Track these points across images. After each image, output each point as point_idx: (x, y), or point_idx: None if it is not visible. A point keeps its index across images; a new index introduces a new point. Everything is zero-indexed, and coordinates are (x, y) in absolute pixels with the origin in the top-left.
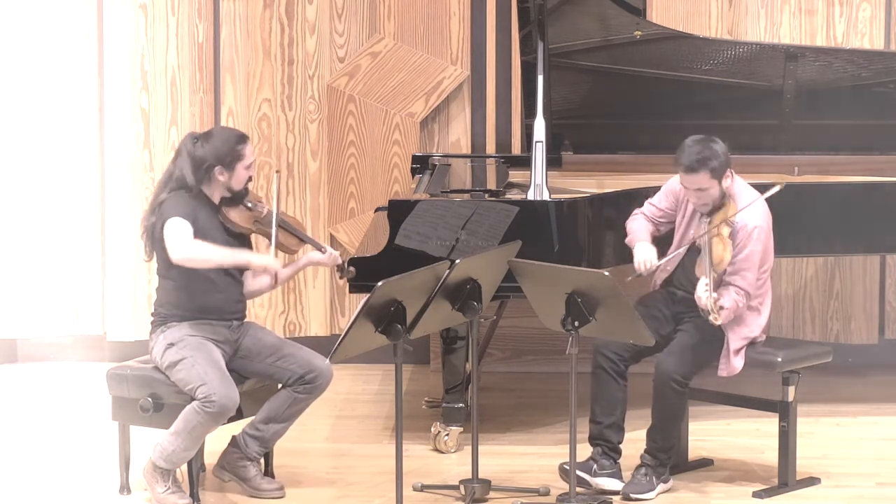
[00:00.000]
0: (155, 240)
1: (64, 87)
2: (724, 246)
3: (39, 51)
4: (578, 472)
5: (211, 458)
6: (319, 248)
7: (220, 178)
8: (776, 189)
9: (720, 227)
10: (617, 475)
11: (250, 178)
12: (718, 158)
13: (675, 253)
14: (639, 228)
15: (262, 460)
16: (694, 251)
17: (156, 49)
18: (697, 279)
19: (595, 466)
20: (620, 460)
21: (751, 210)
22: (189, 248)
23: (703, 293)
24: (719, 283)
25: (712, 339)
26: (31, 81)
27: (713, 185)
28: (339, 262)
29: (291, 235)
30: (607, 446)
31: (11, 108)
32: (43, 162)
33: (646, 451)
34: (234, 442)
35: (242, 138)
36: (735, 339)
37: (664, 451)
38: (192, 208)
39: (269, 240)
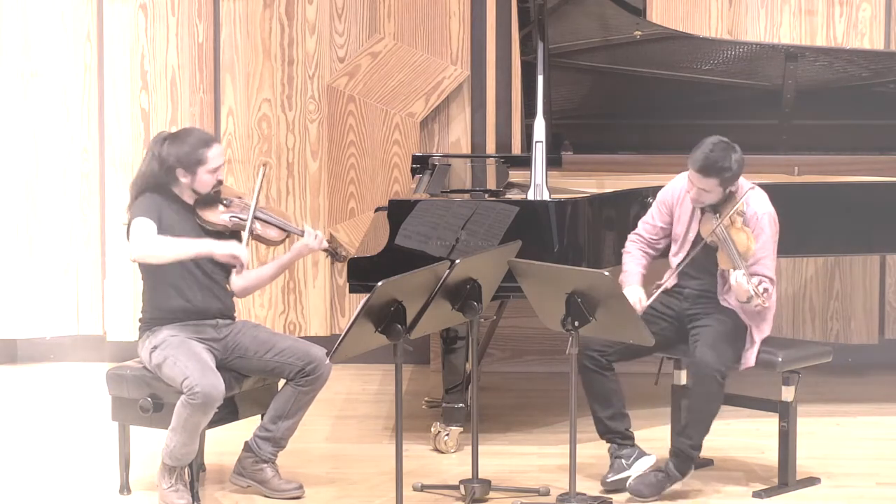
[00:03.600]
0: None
1: (64, 87)
2: (746, 234)
3: (40, 51)
4: (616, 478)
5: (211, 458)
6: (301, 234)
7: (183, 181)
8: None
9: (732, 217)
10: (641, 454)
11: (220, 183)
12: (732, 171)
13: (681, 266)
14: (630, 270)
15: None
16: (697, 255)
17: (156, 49)
18: (727, 273)
19: (623, 462)
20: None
21: (756, 198)
22: (145, 245)
23: (743, 279)
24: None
25: (739, 330)
26: (31, 82)
27: (717, 191)
28: (326, 245)
29: (272, 227)
30: (618, 437)
31: (11, 108)
32: (43, 162)
33: (673, 453)
34: (247, 447)
35: (208, 143)
36: (758, 333)
37: (697, 449)
38: (158, 208)
39: (248, 234)
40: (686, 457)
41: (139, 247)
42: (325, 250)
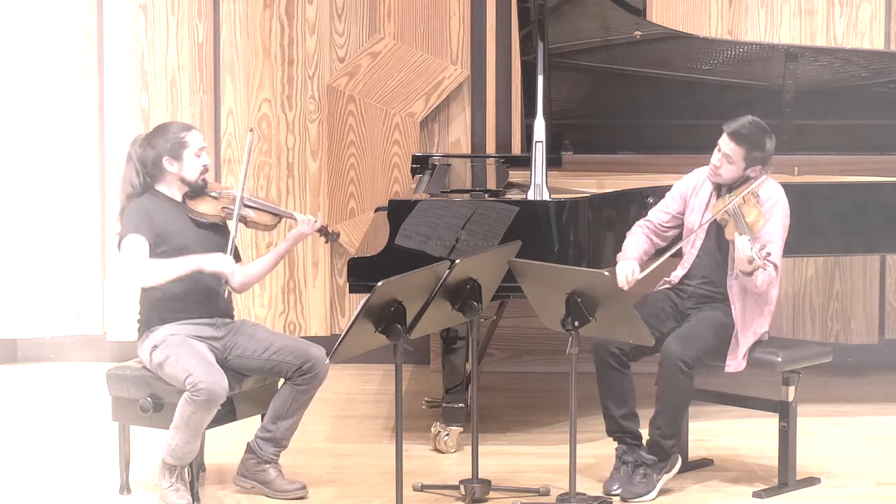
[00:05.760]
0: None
1: (64, 87)
2: (758, 210)
3: (39, 51)
4: (635, 488)
5: (211, 458)
6: (294, 218)
7: (171, 169)
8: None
9: (746, 197)
10: (655, 465)
11: (206, 169)
12: (762, 150)
13: (668, 253)
14: (630, 247)
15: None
16: (710, 244)
17: (156, 49)
18: (732, 243)
19: (640, 472)
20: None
21: (773, 186)
22: (141, 274)
23: (748, 246)
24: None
25: (720, 329)
26: (31, 81)
27: (739, 165)
28: (319, 225)
29: (264, 213)
30: (628, 436)
31: (12, 108)
32: (43, 162)
33: (647, 443)
34: (249, 449)
35: (187, 127)
36: (747, 335)
37: (668, 438)
38: (148, 214)
39: (244, 222)
40: (657, 446)
41: (132, 276)
42: (319, 231)
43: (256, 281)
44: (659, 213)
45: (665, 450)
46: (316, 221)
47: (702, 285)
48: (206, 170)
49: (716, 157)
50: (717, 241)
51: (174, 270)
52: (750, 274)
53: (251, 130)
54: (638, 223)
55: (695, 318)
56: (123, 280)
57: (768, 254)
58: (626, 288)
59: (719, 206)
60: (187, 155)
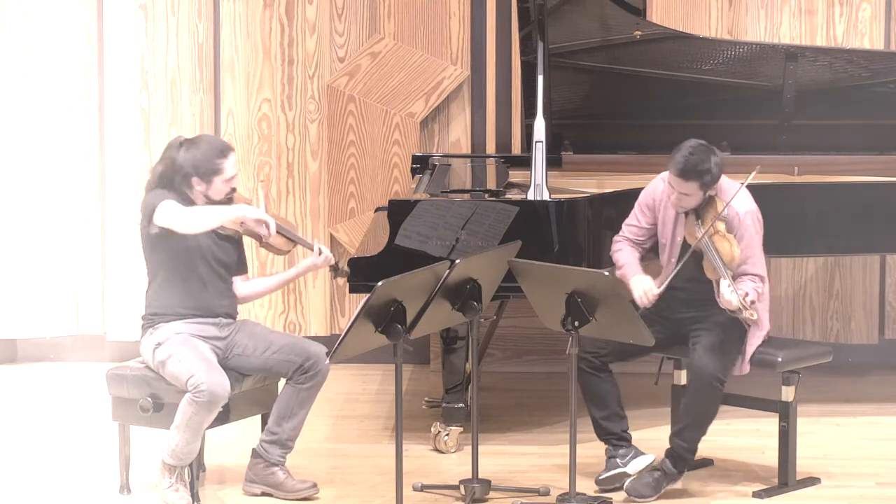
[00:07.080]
0: (146, 238)
1: (64, 87)
2: (729, 242)
3: (39, 51)
4: (608, 475)
5: (211, 458)
6: (311, 248)
7: (198, 188)
8: (753, 174)
9: (715, 225)
10: (638, 453)
11: (233, 191)
12: (712, 174)
13: (676, 269)
14: (628, 261)
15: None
16: (692, 254)
17: (156, 49)
18: (715, 282)
19: (618, 461)
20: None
21: (737, 198)
22: (190, 216)
23: (730, 294)
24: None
25: (737, 335)
26: (31, 81)
27: (697, 195)
28: (333, 262)
29: (281, 236)
30: (614, 438)
31: (12, 108)
32: (43, 162)
33: (669, 454)
34: (255, 454)
35: (224, 152)
36: (755, 338)
37: (692, 452)
38: (176, 198)
39: (259, 241)
40: (681, 459)
41: (184, 221)
42: (330, 267)
43: (257, 297)
44: (633, 228)
45: (687, 462)
46: (329, 257)
47: (692, 290)
48: (232, 191)
49: (673, 195)
50: (693, 256)
51: (224, 214)
52: (734, 313)
53: (262, 181)
54: (616, 238)
55: (713, 327)
56: (179, 227)
57: (753, 302)
58: (647, 305)
59: (691, 234)
60: (217, 181)
